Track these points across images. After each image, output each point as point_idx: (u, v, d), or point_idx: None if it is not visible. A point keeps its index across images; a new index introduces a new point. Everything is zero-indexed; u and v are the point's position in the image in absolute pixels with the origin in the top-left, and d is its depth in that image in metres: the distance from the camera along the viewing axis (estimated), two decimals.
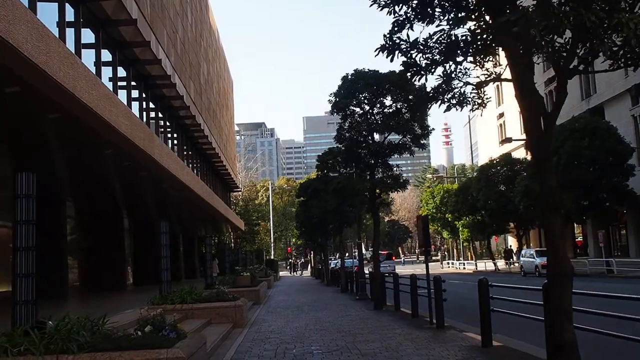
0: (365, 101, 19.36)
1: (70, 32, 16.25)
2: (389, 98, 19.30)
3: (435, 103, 8.31)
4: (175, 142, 32.41)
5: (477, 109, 8.92)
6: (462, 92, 8.35)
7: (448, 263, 75.14)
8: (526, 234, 55.98)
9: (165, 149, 21.60)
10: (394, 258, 66.55)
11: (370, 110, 19.55)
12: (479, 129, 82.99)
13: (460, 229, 65.33)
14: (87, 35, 17.94)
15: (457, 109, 8.51)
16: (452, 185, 77.09)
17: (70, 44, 15.55)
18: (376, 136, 19.73)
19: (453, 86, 8.15)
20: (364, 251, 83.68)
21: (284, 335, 13.38)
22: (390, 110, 19.36)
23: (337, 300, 24.68)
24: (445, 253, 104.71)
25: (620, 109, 43.48)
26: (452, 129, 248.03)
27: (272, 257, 78.03)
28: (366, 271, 26.72)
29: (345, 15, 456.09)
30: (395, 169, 19.85)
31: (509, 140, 51.45)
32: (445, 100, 8.30)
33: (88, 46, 17.99)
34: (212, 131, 39.94)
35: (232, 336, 13.60)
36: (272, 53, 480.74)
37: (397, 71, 18.92)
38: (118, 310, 14.79)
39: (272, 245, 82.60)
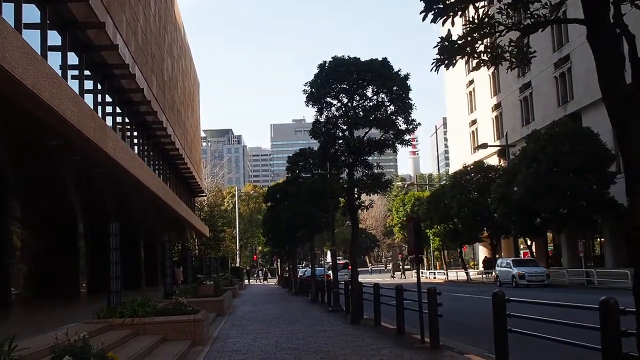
0: (344, 93, 17.46)
1: (8, 7, 14.16)
2: (370, 90, 17.44)
3: (462, 58, 6.40)
4: (135, 141, 30.23)
5: (516, 67, 6.94)
6: (498, 42, 6.39)
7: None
8: (498, 243, 54.55)
9: (120, 144, 19.40)
10: (349, 267, 64.69)
11: (349, 103, 17.68)
12: (450, 136, 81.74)
13: (432, 237, 63.79)
14: (31, 13, 15.83)
15: (488, 67, 6.58)
16: (423, 193, 75.71)
17: (9, 21, 13.43)
18: (355, 132, 17.80)
19: (486, 31, 6.17)
20: (329, 260, 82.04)
21: (250, 356, 11.39)
22: (372, 103, 17.51)
23: (308, 312, 22.71)
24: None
25: (599, 116, 42.11)
26: (419, 139, 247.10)
27: (237, 264, 75.72)
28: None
29: (314, 22, 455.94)
30: (375, 167, 17.95)
31: (484, 146, 50.40)
32: (476, 54, 6.38)
33: (32, 26, 15.89)
34: (176, 131, 37.77)
35: (189, 358, 11.56)
36: (240, 60, 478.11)
37: (381, 59, 17.21)
38: (47, 327, 12.64)
39: (237, 252, 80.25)
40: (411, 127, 17.14)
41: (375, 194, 19.25)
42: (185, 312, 13.66)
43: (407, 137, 17.26)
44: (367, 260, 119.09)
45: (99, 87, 22.55)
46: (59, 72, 17.33)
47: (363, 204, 18.40)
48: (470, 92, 70.39)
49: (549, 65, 50.41)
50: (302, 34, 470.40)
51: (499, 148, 58.09)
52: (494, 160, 59.32)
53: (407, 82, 17.11)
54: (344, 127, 17.25)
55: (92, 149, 15.95)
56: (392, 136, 17.38)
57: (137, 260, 40.92)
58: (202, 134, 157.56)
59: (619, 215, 37.69)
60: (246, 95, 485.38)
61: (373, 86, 17.29)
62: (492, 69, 48.72)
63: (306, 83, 17.52)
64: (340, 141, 17.83)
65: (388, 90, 16.83)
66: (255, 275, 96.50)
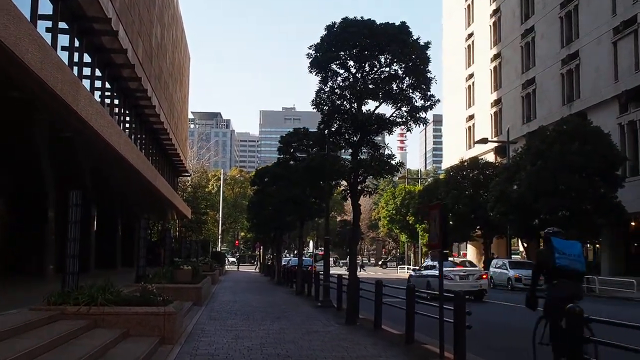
0: (353, 59, 15.19)
1: None
2: (383, 58, 15.19)
3: None
4: (117, 110, 27.86)
5: None
6: None
7: (404, 268, 71.57)
8: (491, 242, 52.46)
9: (95, 106, 17.04)
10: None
11: (358, 74, 15.42)
12: (445, 131, 79.62)
13: (421, 233, 61.79)
14: None
15: None
16: (415, 187, 73.73)
17: None
18: (363, 107, 15.57)
19: None
20: (311, 250, 79.83)
21: None
22: (385, 73, 15.26)
23: (294, 306, 20.51)
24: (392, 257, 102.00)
25: (606, 117, 40.31)
26: (408, 135, 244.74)
27: (219, 249, 73.47)
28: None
29: (308, 9, 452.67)
30: (384, 148, 15.71)
31: (484, 141, 48.37)
32: None
33: None
34: (162, 104, 35.39)
35: None
36: (232, 44, 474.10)
37: (399, 23, 14.99)
38: None
39: (219, 237, 77.98)
40: (429, 103, 14.93)
41: (383, 179, 17.13)
42: (154, 303, 11.38)
43: (423, 114, 15.05)
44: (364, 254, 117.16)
45: (76, 43, 20.17)
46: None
47: (367, 189, 16.17)
48: (469, 86, 68.27)
49: (556, 62, 48.39)
50: (296, 20, 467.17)
51: (497, 145, 56.13)
52: (490, 157, 57.38)
53: (427, 51, 14.93)
54: (352, 99, 14.97)
55: (60, 106, 13.66)
56: (405, 113, 15.16)
57: (114, 239, 38.62)
58: (191, 116, 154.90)
59: (622, 221, 35.85)
60: (237, 80, 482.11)
61: (387, 55, 15.03)
62: (494, 63, 46.94)
63: (310, 46, 15.22)
64: (346, 116, 15.56)
65: (405, 59, 14.57)
66: (253, 262, 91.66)
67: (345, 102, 15.18)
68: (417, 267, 37.13)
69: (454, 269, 27.78)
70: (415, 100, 14.94)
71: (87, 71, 22.25)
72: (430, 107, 15.01)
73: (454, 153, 67.73)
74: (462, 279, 26.22)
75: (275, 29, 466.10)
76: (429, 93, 14.83)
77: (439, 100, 15.19)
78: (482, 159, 53.69)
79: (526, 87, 54.11)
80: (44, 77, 11.91)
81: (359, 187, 15.53)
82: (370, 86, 14.90)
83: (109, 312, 10.86)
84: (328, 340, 11.84)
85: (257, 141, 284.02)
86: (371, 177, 15.62)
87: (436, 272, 25.64)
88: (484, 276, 28.10)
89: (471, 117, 67.46)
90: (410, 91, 14.86)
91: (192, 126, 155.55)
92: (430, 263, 28.99)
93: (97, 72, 23.38)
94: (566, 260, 8.18)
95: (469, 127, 67.83)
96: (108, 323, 10.77)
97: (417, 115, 14.97)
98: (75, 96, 14.36)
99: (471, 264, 35.00)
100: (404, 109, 15.24)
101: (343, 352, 10.35)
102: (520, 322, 17.52)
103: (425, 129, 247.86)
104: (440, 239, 9.53)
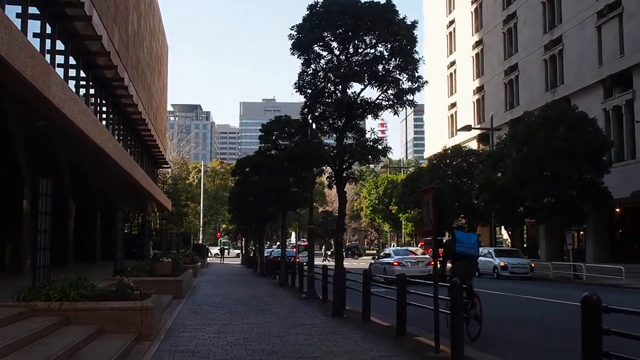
0: (337, 40, 14.51)
1: None
2: (368, 39, 14.53)
3: None
4: (93, 100, 26.99)
5: None
6: None
7: None
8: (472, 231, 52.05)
9: (68, 92, 16.24)
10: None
11: (342, 55, 14.77)
12: (427, 119, 79.20)
13: (404, 222, 61.39)
14: None
15: None
16: (397, 176, 73.34)
17: None
18: (347, 91, 14.90)
19: None
20: (293, 241, 79.11)
21: None
22: (369, 55, 14.62)
23: (278, 298, 19.90)
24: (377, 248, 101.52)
25: (590, 102, 39.98)
26: (388, 125, 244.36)
27: (200, 241, 72.64)
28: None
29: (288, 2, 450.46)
30: (370, 132, 15.07)
31: (468, 128, 47.99)
32: None
33: None
34: (140, 94, 34.48)
35: None
36: (212, 36, 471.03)
37: (384, 1, 14.37)
38: None
39: (201, 229, 77.11)
40: (416, 85, 14.30)
41: (368, 165, 16.56)
42: (131, 297, 10.72)
43: (410, 96, 14.43)
44: (332, 243, 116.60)
45: (49, 29, 19.33)
46: None
47: (352, 175, 15.53)
48: (451, 73, 67.85)
49: (539, 47, 48.06)
50: (276, 8, 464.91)
51: (479, 132, 55.80)
52: (473, 145, 56.97)
53: (414, 31, 14.30)
54: (337, 81, 14.28)
55: (30, 92, 12.93)
56: (392, 96, 14.52)
57: (93, 233, 37.81)
58: (170, 108, 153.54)
59: (608, 207, 35.60)
60: (216, 72, 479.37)
61: (372, 35, 14.38)
62: (476, 50, 46.48)
63: (292, 27, 14.49)
64: (329, 100, 14.89)
65: (391, 39, 13.91)
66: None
67: (330, 85, 14.52)
68: (377, 256, 39.13)
69: (407, 256, 31.24)
70: (402, 82, 14.33)
71: (60, 59, 21.39)
72: (418, 89, 14.37)
73: (436, 142, 67.28)
74: (413, 265, 29.09)
75: (254, 18, 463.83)
76: (416, 74, 14.22)
77: (427, 82, 14.55)
78: (465, 146, 53.27)
79: (509, 74, 53.74)
80: (11, 60, 11.19)
81: (344, 174, 14.92)
82: (355, 68, 14.23)
83: (82, 308, 10.20)
84: (315, 334, 11.26)
85: (238, 133, 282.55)
86: (357, 163, 14.94)
87: (391, 260, 30.29)
88: (431, 262, 28.96)
89: (453, 105, 67.07)
90: (397, 72, 14.24)
91: (172, 118, 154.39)
92: (387, 252, 35.02)
93: (71, 60, 22.54)
94: (464, 248, 11.28)
95: (451, 115, 67.46)
96: (81, 319, 10.12)
97: (405, 98, 14.35)
98: (47, 82, 13.62)
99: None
100: (390, 91, 14.60)
101: (332, 347, 9.77)
102: (512, 311, 17.15)
103: (406, 118, 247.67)
104: (435, 225, 8.96)
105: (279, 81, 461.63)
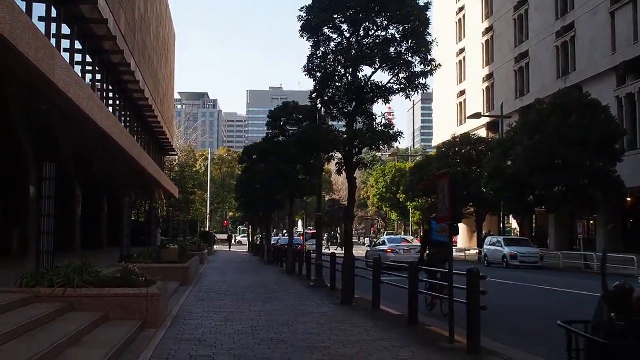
0: (348, 22, 14.12)
1: None
2: (379, 21, 14.14)
3: None
4: (99, 86, 26.70)
5: None
6: None
7: None
8: (483, 220, 51.60)
9: (73, 76, 15.98)
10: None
11: (353, 39, 14.39)
12: (435, 107, 78.61)
13: (412, 211, 61.01)
14: None
15: None
16: (405, 164, 72.93)
17: None
18: (358, 74, 14.49)
19: None
20: (300, 230, 78.87)
21: (219, 350, 8.30)
22: (380, 38, 14.23)
23: (285, 285, 19.64)
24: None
25: (603, 90, 39.39)
26: (395, 114, 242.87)
27: (207, 229, 72.51)
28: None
29: None
30: (380, 117, 14.70)
31: (478, 115, 47.52)
32: None
33: None
34: (147, 80, 34.21)
35: (134, 349, 8.39)
36: (219, 24, 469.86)
37: None
38: None
39: (207, 216, 76.97)
40: (429, 68, 13.92)
41: (374, 155, 16.26)
42: (136, 284, 10.45)
43: (423, 80, 14.05)
44: (339, 231, 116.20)
45: (54, 13, 19.03)
46: None
47: (362, 161, 15.17)
48: (460, 61, 67.20)
49: (550, 34, 47.43)
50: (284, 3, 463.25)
51: (489, 120, 55.30)
52: (482, 133, 56.47)
53: (427, 12, 13.92)
54: (347, 64, 13.89)
55: (34, 75, 12.67)
56: (403, 80, 14.14)
57: (100, 219, 37.65)
58: (177, 96, 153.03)
59: (621, 196, 35.13)
60: (224, 58, 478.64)
61: (383, 18, 14.00)
62: (486, 37, 45.70)
63: (302, 8, 14.13)
64: (339, 84, 14.53)
65: (403, 20, 13.51)
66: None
67: (340, 68, 14.14)
68: (373, 244, 41.76)
69: (400, 244, 33.41)
70: (415, 66, 13.94)
71: (66, 43, 21.09)
72: (431, 72, 13.97)
73: (445, 130, 66.75)
74: (406, 252, 30.90)
75: (263, 1, 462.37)
76: (429, 57, 13.83)
77: (440, 65, 14.19)
78: (474, 135, 52.78)
79: (519, 61, 53.14)
80: (15, 42, 10.92)
81: (354, 160, 14.57)
82: (367, 51, 13.83)
83: (86, 294, 9.95)
84: (324, 323, 10.98)
85: (245, 121, 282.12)
86: (366, 150, 14.51)
87: (385, 247, 32.47)
88: (421, 250, 31.14)
89: (462, 92, 66.49)
90: (410, 55, 13.85)
91: (179, 107, 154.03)
92: (382, 240, 37.90)
93: (77, 45, 22.25)
94: (439, 236, 12.38)
95: (460, 103, 66.89)
96: (85, 306, 9.88)
97: (417, 82, 13.96)
98: (51, 64, 13.35)
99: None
100: (401, 75, 14.21)
101: (342, 336, 9.48)
102: (526, 300, 16.77)
103: (413, 107, 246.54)
104: (450, 212, 8.64)
105: (286, 70, 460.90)
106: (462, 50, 66.80)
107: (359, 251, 56.82)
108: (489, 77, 59.50)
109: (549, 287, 20.45)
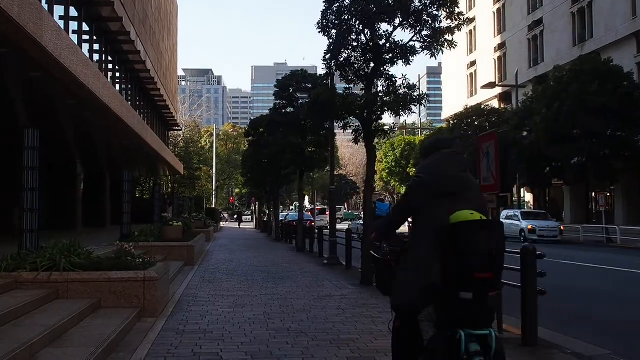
0: None
1: None
2: None
3: None
4: (97, 57, 25.29)
5: None
6: None
7: None
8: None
9: (65, 40, 14.57)
10: (327, 213, 59.35)
11: None
12: (445, 79, 76.77)
13: None
14: None
15: None
16: (415, 137, 71.46)
17: None
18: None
19: None
20: (307, 205, 77.62)
21: (227, 345, 7.03)
22: None
23: (297, 264, 18.36)
24: None
25: (622, 56, 37.73)
26: None
27: (213, 205, 71.32)
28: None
29: None
30: (402, 79, 13.28)
31: (491, 85, 45.93)
32: None
33: None
34: (148, 51, 32.79)
35: (128, 344, 7.11)
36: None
37: None
38: None
39: (213, 193, 75.75)
40: (457, 23, 12.53)
41: (399, 116, 14.91)
42: (132, 266, 9.17)
43: (449, 36, 12.64)
44: (346, 207, 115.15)
45: None
46: None
47: (382, 128, 13.81)
48: (470, 30, 65.29)
49: (566, 0, 45.60)
50: None
51: (501, 91, 53.70)
52: (494, 105, 54.81)
53: None
54: (364, 21, 12.46)
55: (22, 38, 11.33)
56: (426, 37, 12.72)
57: (103, 197, 36.57)
58: (182, 73, 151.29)
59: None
60: (228, 36, 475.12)
61: None
62: (498, 5, 43.88)
63: None
64: (355, 43, 13.11)
65: None
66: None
67: (357, 23, 12.68)
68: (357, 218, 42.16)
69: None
70: (440, 21, 12.52)
71: (60, 10, 19.72)
72: (459, 27, 12.58)
73: (455, 102, 65.03)
74: None
75: None
76: (456, 10, 12.43)
77: (468, 19, 12.82)
78: (486, 105, 51.19)
79: (533, 29, 51.36)
80: None
81: (372, 127, 13.20)
82: (388, 2, 12.33)
83: (75, 279, 8.68)
84: (347, 308, 9.69)
85: (250, 97, 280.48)
86: (388, 113, 13.10)
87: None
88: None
89: (473, 63, 64.71)
90: (435, 8, 12.44)
91: (183, 83, 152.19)
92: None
93: (73, 11, 20.85)
94: (381, 212, 13.92)
95: (471, 74, 65.16)
96: (73, 292, 8.62)
97: (443, 38, 12.53)
98: (39, 25, 11.98)
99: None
100: (424, 32, 12.81)
101: (369, 324, 8.19)
102: (565, 280, 15.32)
103: (419, 81, 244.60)
104: (497, 180, 7.29)
105: (291, 45, 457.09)
106: (472, 20, 64.80)
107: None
108: (501, 46, 57.72)
109: (585, 264, 19.18)
